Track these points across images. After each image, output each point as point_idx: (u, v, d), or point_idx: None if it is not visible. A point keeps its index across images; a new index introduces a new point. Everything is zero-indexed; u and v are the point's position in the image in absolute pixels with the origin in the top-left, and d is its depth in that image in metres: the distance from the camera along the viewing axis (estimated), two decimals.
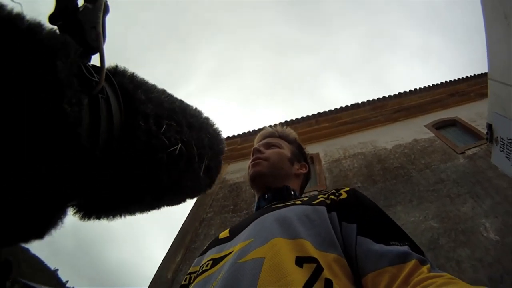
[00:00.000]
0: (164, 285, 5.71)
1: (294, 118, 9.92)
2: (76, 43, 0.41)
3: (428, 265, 0.63)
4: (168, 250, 6.71)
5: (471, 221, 4.93)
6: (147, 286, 5.98)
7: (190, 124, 0.59)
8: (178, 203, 0.64)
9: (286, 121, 9.87)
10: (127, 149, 0.46)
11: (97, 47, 0.46)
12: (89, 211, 0.49)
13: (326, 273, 0.64)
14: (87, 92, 0.42)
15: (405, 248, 0.68)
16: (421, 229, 5.06)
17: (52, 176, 0.37)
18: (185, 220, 7.46)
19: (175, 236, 7.17)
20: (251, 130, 9.94)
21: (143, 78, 0.56)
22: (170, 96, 0.59)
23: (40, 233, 0.41)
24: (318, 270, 0.65)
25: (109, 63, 0.53)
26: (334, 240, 0.75)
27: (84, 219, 0.49)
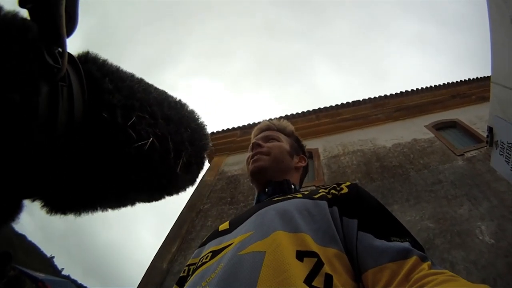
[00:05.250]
0: (159, 275, 5.72)
1: (294, 113, 9.91)
2: (42, 28, 0.39)
3: (429, 262, 0.63)
4: (164, 240, 6.70)
5: (467, 223, 4.95)
6: (142, 275, 6.01)
7: (167, 117, 0.55)
8: (155, 200, 0.61)
9: (286, 115, 9.85)
10: (88, 143, 0.43)
11: (58, 31, 0.42)
12: (54, 207, 0.47)
13: (327, 268, 0.64)
14: (48, 80, 0.39)
15: (406, 244, 0.68)
16: (417, 229, 5.07)
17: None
18: (182, 211, 7.46)
19: (168, 224, 7.18)
20: (251, 123, 9.93)
21: (117, 66, 0.52)
22: (146, 87, 0.55)
23: None
24: (319, 265, 0.65)
25: (84, 47, 0.49)
26: (334, 235, 0.74)
27: (51, 214, 0.47)
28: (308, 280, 0.61)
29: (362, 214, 0.78)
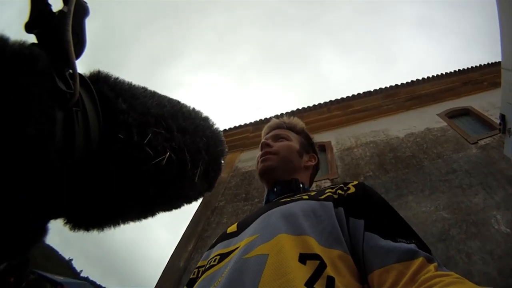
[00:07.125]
0: (176, 274, 5.81)
1: (305, 106, 9.88)
2: (50, 53, 0.39)
3: (435, 263, 0.63)
4: (181, 239, 6.80)
5: (483, 213, 4.88)
6: (159, 273, 6.09)
7: (183, 129, 0.54)
8: (174, 208, 0.61)
9: (298, 109, 9.83)
10: (106, 164, 0.43)
11: (68, 57, 0.41)
12: (77, 224, 0.47)
13: (329, 271, 0.64)
14: (62, 106, 0.39)
15: (412, 245, 0.67)
16: (432, 220, 5.01)
17: (22, 199, 0.35)
18: (197, 209, 7.53)
19: (183, 221, 7.22)
20: (262, 118, 9.93)
21: (129, 83, 0.52)
22: (160, 100, 0.55)
23: (19, 253, 0.39)
24: (321, 267, 0.65)
25: (94, 64, 0.46)
26: (339, 236, 0.74)
27: (74, 231, 0.47)
28: (310, 283, 0.61)
29: (369, 214, 0.78)
